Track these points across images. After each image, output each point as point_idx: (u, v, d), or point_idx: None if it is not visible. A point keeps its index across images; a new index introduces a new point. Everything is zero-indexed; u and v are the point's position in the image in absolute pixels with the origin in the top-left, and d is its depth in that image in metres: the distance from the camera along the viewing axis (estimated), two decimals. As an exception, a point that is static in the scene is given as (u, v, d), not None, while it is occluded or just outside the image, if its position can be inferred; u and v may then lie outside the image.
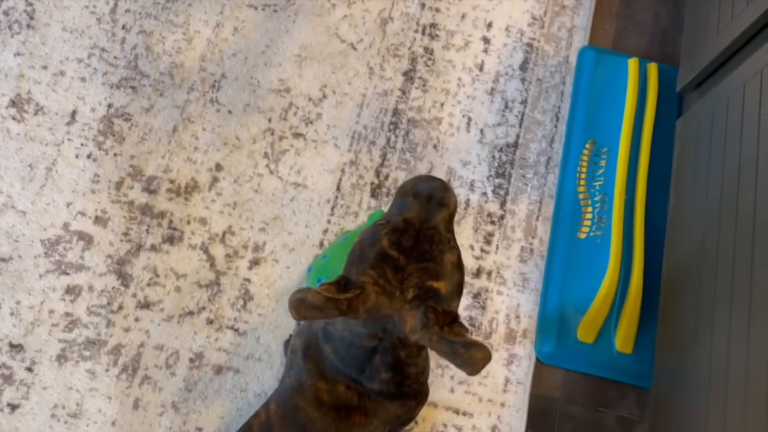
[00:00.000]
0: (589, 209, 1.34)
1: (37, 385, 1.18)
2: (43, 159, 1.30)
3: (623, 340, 1.25)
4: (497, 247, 1.33)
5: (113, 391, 1.19)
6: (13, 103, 1.32)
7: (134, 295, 1.24)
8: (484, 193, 1.35)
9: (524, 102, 1.42)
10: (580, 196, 1.35)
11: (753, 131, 1.00)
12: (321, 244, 1.30)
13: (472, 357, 0.77)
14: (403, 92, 1.40)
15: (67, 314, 1.22)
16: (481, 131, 1.39)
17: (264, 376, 1.22)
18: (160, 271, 1.26)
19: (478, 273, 1.30)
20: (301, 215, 1.31)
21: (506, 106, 1.41)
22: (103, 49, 1.37)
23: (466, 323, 1.18)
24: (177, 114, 1.35)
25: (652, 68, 1.42)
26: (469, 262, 1.31)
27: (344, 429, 0.86)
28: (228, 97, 1.37)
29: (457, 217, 1.33)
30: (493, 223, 1.34)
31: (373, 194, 1.33)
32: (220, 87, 1.37)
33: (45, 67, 1.35)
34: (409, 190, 0.88)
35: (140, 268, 1.25)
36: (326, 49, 1.42)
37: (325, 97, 1.39)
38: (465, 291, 1.29)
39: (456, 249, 0.86)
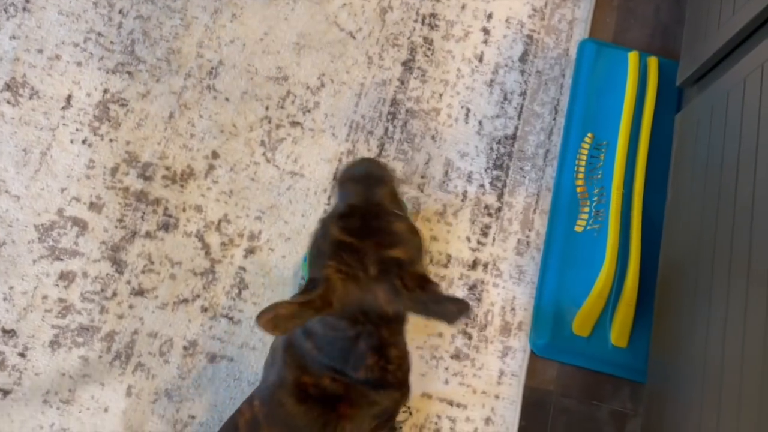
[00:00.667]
0: (587, 203, 1.34)
1: (30, 371, 1.18)
2: (37, 143, 1.29)
3: (618, 334, 1.25)
4: (494, 240, 1.32)
5: (106, 377, 1.19)
6: (7, 87, 1.31)
7: (128, 282, 1.23)
8: (482, 185, 1.35)
9: (523, 94, 1.42)
10: (578, 190, 1.35)
11: (753, 126, 0.99)
12: (317, 234, 1.29)
13: (446, 310, 0.81)
14: (402, 82, 1.39)
15: (61, 300, 1.21)
16: (480, 123, 1.39)
17: (258, 365, 1.21)
18: (154, 258, 1.25)
19: (474, 265, 1.30)
20: (298, 204, 1.30)
21: (505, 98, 1.41)
22: (99, 34, 1.36)
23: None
24: (174, 100, 1.34)
25: (652, 62, 1.41)
26: (465, 254, 1.30)
27: (331, 421, 0.86)
28: (225, 84, 1.36)
29: (453, 209, 1.32)
30: (490, 215, 1.33)
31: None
32: (218, 74, 1.36)
33: (40, 51, 1.33)
34: (347, 177, 0.91)
35: (135, 255, 1.25)
36: (325, 37, 1.41)
37: (323, 85, 1.38)
38: (461, 282, 1.29)
39: (405, 217, 0.89)
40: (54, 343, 1.19)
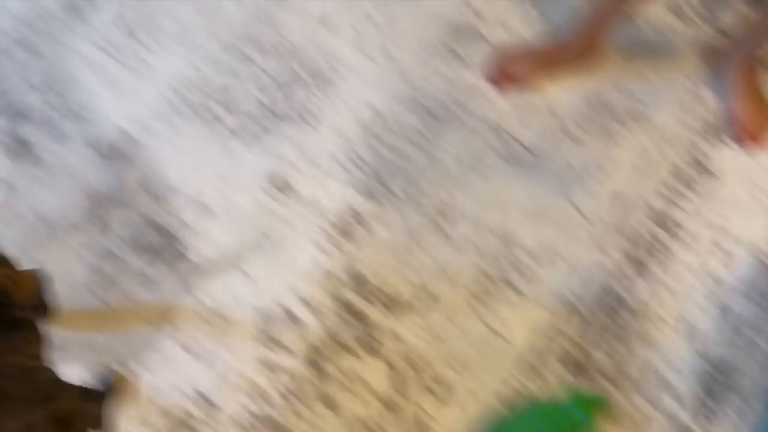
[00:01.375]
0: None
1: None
2: (277, 233, 1.42)
3: None
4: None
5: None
6: (270, 179, 1.47)
7: (320, 391, 1.30)
8: (682, 403, 1.29)
9: (757, 329, 1.35)
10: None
11: None
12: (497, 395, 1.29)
13: None
14: (625, 275, 1.39)
15: (256, 385, 1.30)
16: (702, 342, 1.34)
17: None
18: (351, 376, 1.31)
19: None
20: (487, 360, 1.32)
21: (736, 329, 1.35)
22: (361, 158, 1.49)
23: None
24: (408, 233, 1.43)
25: None
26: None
27: None
28: (461, 232, 1.43)
29: (641, 417, 1.27)
30: (686, 438, 1.26)
31: (563, 362, 1.32)
32: (455, 222, 1.43)
33: (306, 156, 1.49)
34: None
35: (334, 367, 1.32)
36: (554, 208, 1.45)
37: (542, 254, 1.41)
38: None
39: None
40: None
